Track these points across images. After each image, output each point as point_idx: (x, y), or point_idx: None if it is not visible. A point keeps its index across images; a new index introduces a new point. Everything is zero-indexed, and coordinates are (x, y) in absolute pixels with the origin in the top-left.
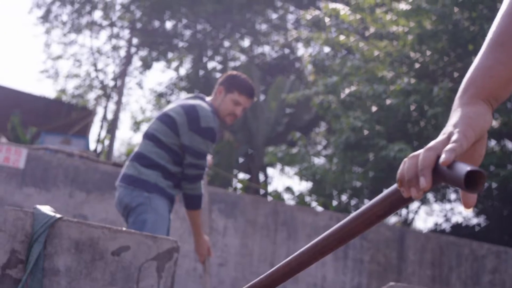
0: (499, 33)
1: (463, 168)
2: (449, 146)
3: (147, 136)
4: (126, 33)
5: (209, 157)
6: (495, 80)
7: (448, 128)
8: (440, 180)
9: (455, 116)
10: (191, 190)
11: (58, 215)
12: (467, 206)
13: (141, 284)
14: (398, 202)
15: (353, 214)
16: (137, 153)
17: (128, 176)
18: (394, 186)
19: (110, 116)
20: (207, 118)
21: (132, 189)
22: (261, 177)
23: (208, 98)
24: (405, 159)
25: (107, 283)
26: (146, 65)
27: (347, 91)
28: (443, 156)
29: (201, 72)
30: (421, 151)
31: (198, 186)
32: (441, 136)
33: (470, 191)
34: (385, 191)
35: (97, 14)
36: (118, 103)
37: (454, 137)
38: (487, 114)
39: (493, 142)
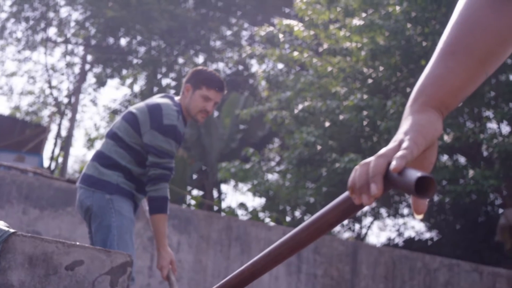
0: (450, 43)
1: (414, 174)
2: (399, 153)
3: (109, 135)
4: (80, 50)
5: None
6: (446, 88)
7: (398, 135)
8: (391, 186)
9: (405, 123)
10: (154, 192)
11: (11, 230)
12: (418, 212)
13: None
14: (350, 209)
15: (305, 222)
16: (98, 152)
17: (89, 177)
18: (346, 193)
19: (64, 133)
20: (171, 116)
21: (93, 191)
22: (215, 193)
23: (177, 98)
24: (356, 167)
25: None
26: (100, 82)
27: (300, 106)
28: (393, 163)
29: (155, 89)
30: (372, 158)
31: (162, 187)
32: (392, 144)
33: (421, 196)
34: (337, 199)
35: (52, 31)
36: (72, 120)
37: (404, 144)
38: (438, 122)
39: (445, 157)
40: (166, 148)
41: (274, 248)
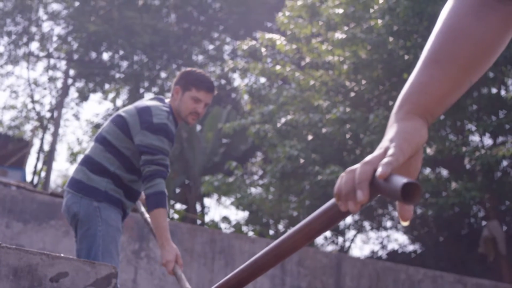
0: (434, 51)
1: (400, 180)
2: (385, 160)
3: (98, 138)
4: (63, 64)
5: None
6: (430, 96)
7: (384, 142)
8: (377, 192)
9: (391, 131)
10: (150, 188)
11: None
12: (404, 219)
13: None
14: (336, 216)
15: (291, 230)
16: (87, 157)
17: (77, 182)
18: (332, 201)
19: (46, 147)
20: (161, 115)
21: (80, 197)
22: (198, 207)
23: (167, 100)
24: (342, 174)
25: None
26: (83, 96)
27: (283, 120)
28: (379, 169)
29: None
30: (357, 165)
31: (158, 182)
32: (378, 151)
33: (407, 202)
34: (323, 206)
35: (34, 46)
36: (55, 134)
37: (390, 151)
38: (423, 129)
39: (428, 170)
40: (158, 145)
41: (260, 256)
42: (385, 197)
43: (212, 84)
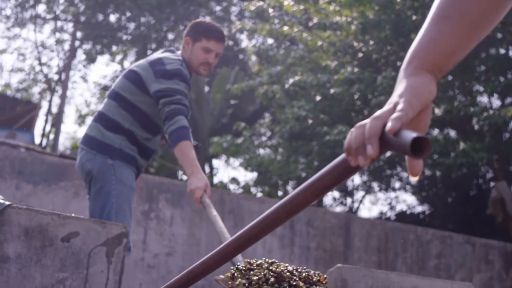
0: (442, 7)
1: (409, 135)
2: (395, 114)
3: (111, 95)
4: (70, 26)
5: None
6: (439, 51)
7: (393, 98)
8: (387, 147)
9: (400, 86)
10: (171, 126)
11: (7, 202)
12: (413, 174)
13: (91, 270)
14: (346, 171)
15: (302, 185)
16: (100, 113)
17: (91, 139)
18: (342, 156)
19: (54, 110)
20: (174, 63)
21: (94, 154)
22: (207, 168)
23: (178, 52)
24: (352, 129)
25: (57, 269)
26: (90, 58)
27: (291, 81)
28: (389, 124)
29: None
30: (367, 120)
31: (179, 119)
32: (387, 106)
33: (416, 157)
34: (333, 162)
35: (41, 8)
36: (63, 96)
37: (399, 106)
38: (432, 84)
39: (436, 131)
40: (175, 87)
41: (271, 212)
42: (394, 151)
43: (222, 33)
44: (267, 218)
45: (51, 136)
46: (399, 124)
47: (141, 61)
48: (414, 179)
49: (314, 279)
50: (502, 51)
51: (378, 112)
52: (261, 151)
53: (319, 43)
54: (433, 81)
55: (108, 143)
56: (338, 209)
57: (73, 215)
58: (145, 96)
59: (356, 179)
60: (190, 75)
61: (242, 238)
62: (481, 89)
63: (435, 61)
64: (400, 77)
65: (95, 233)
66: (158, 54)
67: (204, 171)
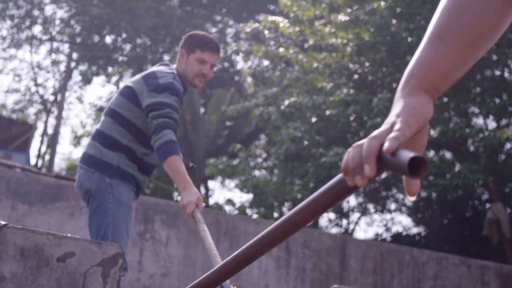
0: (439, 27)
1: (407, 155)
2: (392, 134)
3: (107, 112)
4: (66, 47)
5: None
6: (436, 71)
7: (390, 118)
8: (384, 167)
9: (397, 106)
10: (158, 140)
11: (3, 222)
12: (410, 194)
13: None
14: (343, 191)
15: (299, 205)
16: (98, 131)
17: (90, 157)
18: (339, 176)
19: (50, 131)
20: (166, 76)
21: (92, 172)
22: (202, 190)
23: (173, 66)
24: (349, 149)
25: None
26: (86, 79)
27: (286, 102)
28: (386, 144)
29: None
30: (364, 140)
31: (166, 133)
32: (384, 126)
33: (413, 176)
34: (330, 182)
35: (37, 29)
36: (59, 117)
37: (397, 126)
38: (429, 104)
39: (431, 152)
40: (164, 101)
41: (268, 232)
42: (392, 171)
43: (217, 44)
44: (263, 238)
45: (47, 157)
46: (396, 144)
47: (136, 76)
48: (411, 199)
49: None
50: (497, 72)
51: (375, 132)
52: (257, 172)
53: (315, 64)
54: (430, 101)
55: (106, 161)
56: (334, 230)
57: (69, 235)
58: (139, 112)
59: (352, 200)
60: (186, 88)
61: (238, 258)
62: (477, 110)
63: (432, 81)
64: (397, 97)
65: (91, 254)
66: (153, 68)
67: (199, 192)
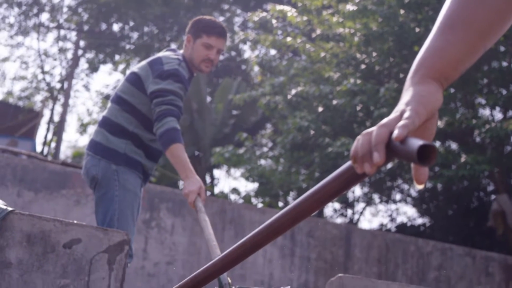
0: (449, 16)
1: (416, 142)
2: (401, 122)
3: (114, 98)
4: (73, 35)
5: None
6: (445, 60)
7: (400, 106)
8: (393, 155)
9: (407, 95)
10: (161, 127)
11: (9, 208)
12: (418, 182)
13: (92, 277)
14: (352, 178)
15: (307, 193)
16: (104, 118)
17: (96, 144)
18: (348, 163)
19: (56, 118)
20: (171, 63)
21: (99, 159)
22: (208, 178)
23: (180, 51)
24: (359, 137)
25: (58, 276)
26: (93, 67)
27: (293, 91)
28: (395, 132)
29: None
30: (374, 128)
31: (169, 120)
32: (394, 114)
33: (422, 164)
34: (339, 169)
35: (44, 16)
36: (65, 105)
37: (406, 114)
38: (438, 93)
39: (437, 143)
40: (168, 88)
41: (275, 219)
42: (401, 159)
43: (223, 29)
44: (271, 225)
45: (53, 145)
46: (405, 131)
47: (142, 62)
48: (419, 187)
49: None
50: (505, 64)
51: (384, 120)
52: (262, 161)
53: (322, 54)
54: (440, 90)
55: (113, 148)
56: (339, 220)
57: (75, 222)
58: (145, 98)
59: (357, 190)
60: (192, 73)
61: (246, 245)
62: (483, 101)
63: (441, 70)
64: (407, 86)
65: (97, 240)
66: (160, 53)
67: (205, 181)
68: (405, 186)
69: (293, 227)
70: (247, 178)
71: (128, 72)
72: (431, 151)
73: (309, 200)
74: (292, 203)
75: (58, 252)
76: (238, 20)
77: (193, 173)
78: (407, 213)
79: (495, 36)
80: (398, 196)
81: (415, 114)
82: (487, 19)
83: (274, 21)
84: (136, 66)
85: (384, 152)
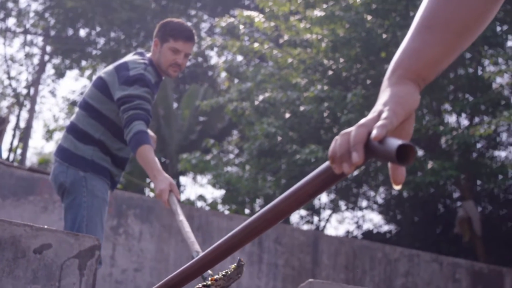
0: (426, 17)
1: (395, 142)
2: (380, 122)
3: (81, 104)
4: (39, 40)
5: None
6: (423, 61)
7: (377, 106)
8: (372, 155)
9: (384, 95)
10: (129, 133)
11: None
12: (396, 182)
13: (63, 282)
14: (330, 179)
15: (285, 194)
16: (72, 124)
17: (64, 150)
18: (325, 163)
19: (22, 124)
20: (137, 67)
21: (67, 166)
22: None
23: (148, 54)
24: (337, 137)
25: (29, 281)
26: (60, 73)
27: (261, 97)
28: (374, 131)
29: None
30: (352, 128)
31: (136, 124)
32: (371, 114)
33: (401, 164)
34: (317, 169)
35: (11, 21)
36: (31, 111)
37: (384, 114)
38: (415, 94)
39: None
40: (134, 93)
41: (252, 221)
42: (379, 159)
43: (191, 32)
44: (247, 227)
45: (19, 151)
46: (384, 131)
47: (109, 67)
48: (397, 187)
49: None
50: (471, 70)
51: (362, 120)
52: (229, 168)
53: (289, 60)
54: (417, 90)
55: (80, 155)
56: (305, 227)
57: (45, 227)
58: (112, 104)
59: (323, 197)
60: (160, 77)
61: (221, 247)
62: (449, 108)
63: (419, 70)
64: (384, 86)
65: (68, 245)
66: (127, 57)
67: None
68: (371, 193)
69: (270, 228)
70: (213, 185)
71: (95, 77)
72: (409, 151)
73: (287, 200)
74: (269, 204)
75: (28, 257)
76: (205, 26)
77: (160, 172)
78: (373, 220)
79: (472, 37)
80: (364, 203)
81: (393, 114)
82: (464, 20)
83: (241, 26)
84: (103, 71)
85: (362, 152)
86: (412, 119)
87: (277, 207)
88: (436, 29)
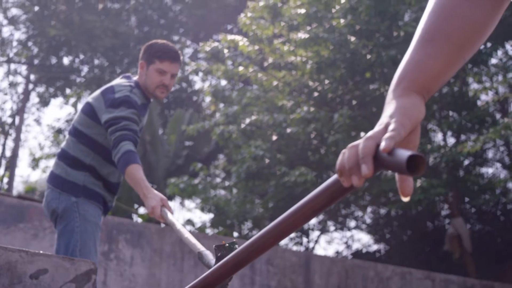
0: (427, 30)
1: (404, 153)
2: (388, 134)
3: (71, 131)
4: (23, 69)
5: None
6: (427, 73)
7: (384, 119)
8: (381, 167)
9: (390, 107)
10: (117, 154)
11: None
12: (404, 194)
13: None
14: (338, 192)
15: (291, 208)
16: (62, 151)
17: (56, 177)
18: (334, 177)
19: (8, 153)
20: (123, 90)
21: (59, 193)
22: None
23: (135, 77)
24: (344, 150)
25: None
26: (44, 101)
27: (247, 120)
28: (383, 143)
29: None
30: (360, 141)
31: (124, 144)
32: (378, 127)
33: (412, 174)
34: (324, 183)
35: None
36: (17, 140)
37: (391, 126)
38: (421, 105)
39: None
40: (120, 114)
41: (258, 237)
42: (389, 170)
43: (176, 53)
44: (253, 244)
45: (5, 180)
46: (392, 143)
47: (96, 92)
48: (405, 200)
49: None
50: (456, 88)
51: (370, 133)
52: (217, 192)
53: (275, 83)
54: (422, 102)
55: (72, 181)
56: (294, 248)
57: (41, 252)
58: (100, 128)
59: (312, 219)
60: (148, 100)
61: (228, 264)
62: (434, 127)
63: (423, 82)
64: (389, 99)
65: (64, 270)
66: (113, 81)
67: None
68: (359, 213)
69: (277, 243)
70: (202, 209)
71: (83, 102)
72: (419, 161)
73: (295, 215)
74: (277, 219)
75: (25, 283)
76: (188, 51)
77: (150, 190)
78: (362, 240)
79: (473, 48)
80: (352, 223)
81: (401, 125)
82: (465, 32)
83: (225, 50)
84: (90, 96)
85: (372, 164)
86: (418, 131)
87: (285, 222)
88: (437, 42)
